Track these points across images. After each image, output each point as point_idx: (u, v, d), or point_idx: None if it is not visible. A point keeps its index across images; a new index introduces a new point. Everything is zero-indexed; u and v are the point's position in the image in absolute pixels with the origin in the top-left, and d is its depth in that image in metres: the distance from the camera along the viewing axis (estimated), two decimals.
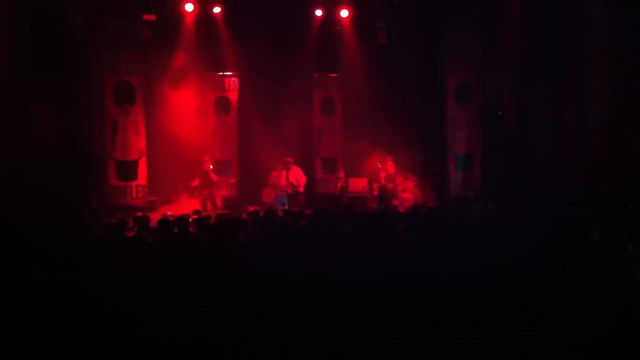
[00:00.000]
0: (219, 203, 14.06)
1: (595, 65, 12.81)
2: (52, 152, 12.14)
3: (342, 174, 15.99)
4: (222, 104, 15.30)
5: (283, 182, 14.02)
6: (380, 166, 14.90)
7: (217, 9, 15.06)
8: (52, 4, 11.57)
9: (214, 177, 14.13)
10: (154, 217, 10.18)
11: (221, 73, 15.28)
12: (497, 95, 15.09)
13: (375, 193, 14.90)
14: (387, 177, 14.84)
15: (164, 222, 8.59)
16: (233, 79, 15.37)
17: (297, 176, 14.17)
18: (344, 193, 15.66)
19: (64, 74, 11.58)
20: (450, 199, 14.90)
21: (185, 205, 13.44)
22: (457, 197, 14.93)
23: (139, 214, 10.68)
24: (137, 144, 13.91)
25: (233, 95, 15.36)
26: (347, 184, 15.93)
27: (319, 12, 15.62)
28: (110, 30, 13.20)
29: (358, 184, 15.81)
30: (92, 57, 13.20)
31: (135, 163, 13.81)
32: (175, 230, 8.10)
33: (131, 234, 8.43)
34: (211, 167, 14.37)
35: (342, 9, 15.69)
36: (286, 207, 12.93)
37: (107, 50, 13.59)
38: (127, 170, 13.72)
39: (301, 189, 14.20)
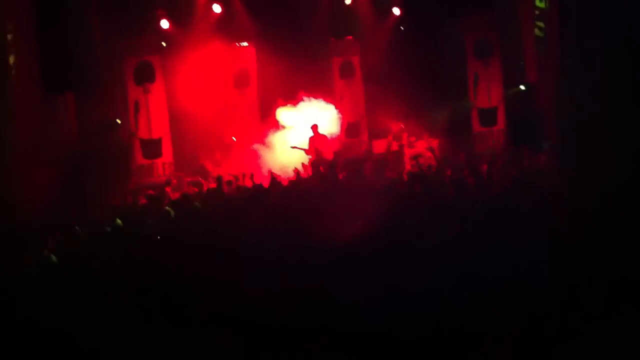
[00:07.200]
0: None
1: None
2: (81, 140, 12.41)
3: (365, 137, 15.95)
4: (241, 76, 15.28)
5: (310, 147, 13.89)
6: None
7: None
8: None
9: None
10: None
11: (238, 44, 15.24)
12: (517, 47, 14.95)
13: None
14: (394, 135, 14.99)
15: None
16: (250, 49, 15.32)
17: (323, 142, 14.03)
18: (369, 156, 15.64)
19: (85, 62, 11.72)
20: (476, 154, 14.84)
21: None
22: (482, 152, 14.85)
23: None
24: (160, 121, 14.04)
25: (252, 67, 15.32)
26: (372, 147, 15.90)
27: None
28: (125, 12, 13.28)
29: (382, 146, 15.76)
30: (109, 40, 13.35)
31: (159, 141, 13.98)
32: None
33: None
34: (234, 138, 14.50)
35: None
36: None
37: (123, 33, 13.70)
38: (152, 148, 13.90)
39: (326, 155, 14.08)
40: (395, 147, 14.92)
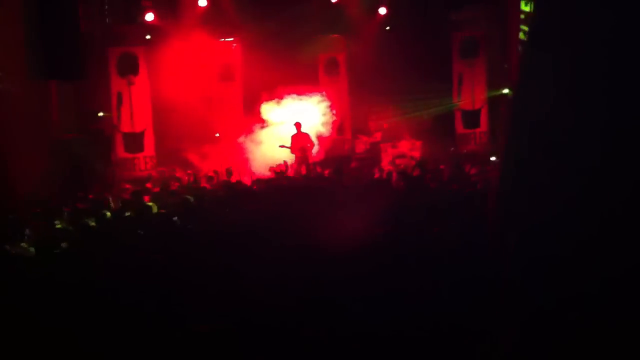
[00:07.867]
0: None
1: None
2: (64, 130, 12.27)
3: (349, 135, 15.96)
4: (226, 70, 15.23)
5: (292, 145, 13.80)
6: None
7: None
8: None
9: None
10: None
11: (223, 39, 15.18)
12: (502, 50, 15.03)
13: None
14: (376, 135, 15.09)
15: None
16: (235, 44, 15.27)
17: (305, 141, 13.98)
18: (352, 154, 15.67)
19: (69, 52, 11.59)
20: (459, 156, 14.92)
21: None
22: (465, 154, 14.94)
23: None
24: (143, 115, 13.95)
25: (236, 61, 15.27)
26: (355, 145, 15.92)
27: None
28: (110, 3, 13.17)
29: (365, 145, 15.79)
30: (94, 30, 13.22)
31: (141, 134, 13.89)
32: None
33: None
34: (217, 135, 14.45)
35: None
36: None
37: (107, 23, 13.59)
38: (135, 141, 13.80)
39: (309, 153, 14.08)
40: (377, 146, 14.95)
